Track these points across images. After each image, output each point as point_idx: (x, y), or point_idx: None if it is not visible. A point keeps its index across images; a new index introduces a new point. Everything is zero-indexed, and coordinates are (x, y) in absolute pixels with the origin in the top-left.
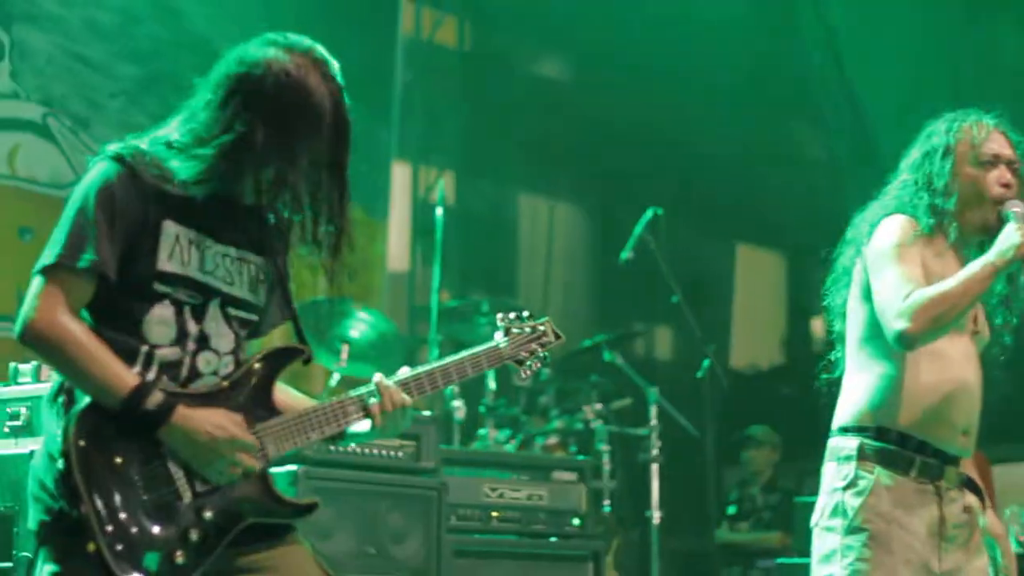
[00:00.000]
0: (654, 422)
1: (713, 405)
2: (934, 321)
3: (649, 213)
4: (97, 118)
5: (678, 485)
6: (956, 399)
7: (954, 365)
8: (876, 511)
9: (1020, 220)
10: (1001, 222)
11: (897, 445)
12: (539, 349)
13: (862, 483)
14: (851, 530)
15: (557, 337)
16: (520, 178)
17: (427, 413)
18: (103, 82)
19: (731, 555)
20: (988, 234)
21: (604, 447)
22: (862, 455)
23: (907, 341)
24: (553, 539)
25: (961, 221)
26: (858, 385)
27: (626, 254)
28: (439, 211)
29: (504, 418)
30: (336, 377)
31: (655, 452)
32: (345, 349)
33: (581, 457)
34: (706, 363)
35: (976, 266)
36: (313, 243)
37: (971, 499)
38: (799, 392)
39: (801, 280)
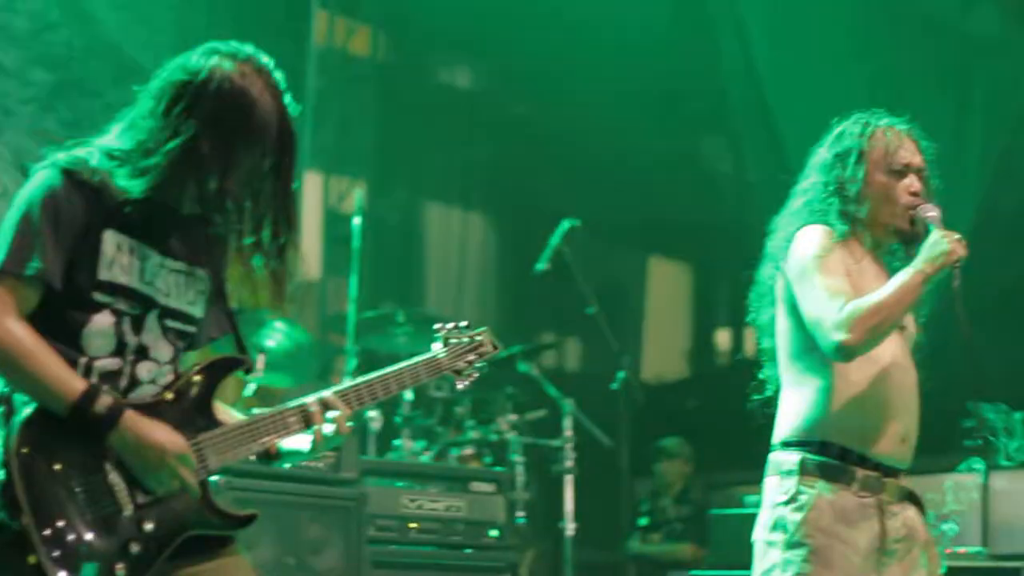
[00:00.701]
0: (568, 433)
1: (627, 417)
2: (872, 331)
3: (565, 224)
4: (8, 124)
5: (591, 497)
6: (893, 406)
7: (889, 370)
8: (817, 526)
9: (940, 225)
10: (913, 227)
11: (838, 459)
12: (477, 359)
13: (803, 498)
14: (791, 545)
15: (495, 348)
16: (433, 188)
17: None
18: (15, 88)
19: (644, 567)
20: (901, 239)
21: (518, 458)
22: (803, 470)
23: (846, 353)
24: (471, 550)
25: (873, 227)
26: (796, 399)
27: (542, 265)
28: (356, 220)
29: (419, 429)
30: (252, 387)
31: (569, 464)
32: (261, 359)
33: (499, 468)
34: (621, 375)
35: (907, 275)
36: (254, 252)
37: (911, 513)
38: (706, 404)
39: (707, 293)
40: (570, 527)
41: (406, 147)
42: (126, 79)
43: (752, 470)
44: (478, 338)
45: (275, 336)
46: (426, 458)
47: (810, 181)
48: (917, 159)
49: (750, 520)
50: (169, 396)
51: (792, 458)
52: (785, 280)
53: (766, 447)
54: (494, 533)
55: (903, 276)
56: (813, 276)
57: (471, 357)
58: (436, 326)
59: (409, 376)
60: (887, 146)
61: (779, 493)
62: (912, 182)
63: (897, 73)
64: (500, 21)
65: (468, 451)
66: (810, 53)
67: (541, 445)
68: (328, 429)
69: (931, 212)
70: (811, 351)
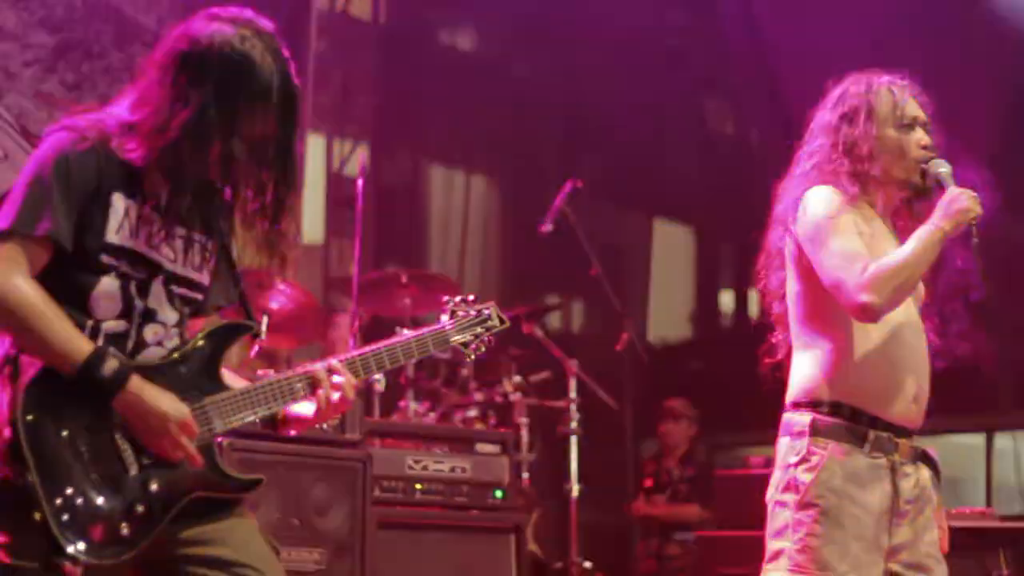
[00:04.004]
0: (572, 395)
1: (631, 378)
2: (896, 291)
3: (568, 186)
4: (10, 86)
5: (596, 458)
6: (905, 367)
7: (901, 331)
8: (828, 486)
9: (953, 180)
10: (924, 181)
11: (850, 420)
12: (484, 332)
13: (814, 459)
14: (803, 505)
15: (502, 322)
16: (436, 150)
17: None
18: (16, 50)
19: (648, 528)
20: (912, 194)
21: (523, 420)
22: (815, 431)
23: (872, 314)
24: (476, 511)
25: (886, 184)
26: (807, 361)
27: (545, 226)
28: (359, 183)
29: (424, 390)
30: (256, 348)
31: (573, 425)
32: (264, 320)
33: (504, 430)
34: (625, 336)
35: (926, 232)
36: (257, 214)
37: (924, 473)
38: (710, 366)
39: (711, 254)
40: (575, 488)
41: (408, 109)
42: (128, 41)
43: (756, 431)
44: (485, 312)
45: (278, 298)
46: (431, 419)
47: (816, 143)
48: (922, 113)
49: (754, 481)
50: (176, 359)
51: (803, 419)
52: (796, 243)
53: (770, 408)
54: (499, 494)
55: (922, 234)
56: (828, 238)
57: (478, 330)
58: (444, 299)
59: (416, 347)
60: (895, 101)
61: (791, 454)
62: (921, 136)
63: (900, 30)
64: None
65: (472, 413)
66: (812, 12)
67: (546, 407)
68: (334, 397)
69: (943, 167)
70: (823, 313)
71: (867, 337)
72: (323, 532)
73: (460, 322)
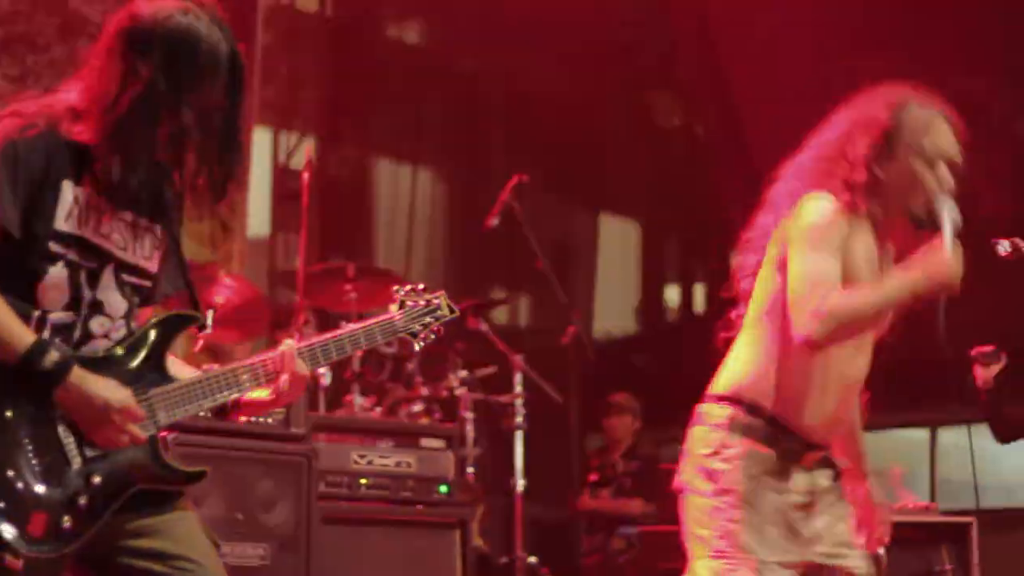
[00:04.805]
0: (518, 389)
1: (577, 373)
2: (845, 332)
3: (515, 180)
4: None
5: (541, 452)
6: (836, 391)
7: (842, 356)
8: (745, 474)
9: (956, 235)
10: (929, 217)
11: (767, 424)
12: (433, 322)
13: (729, 451)
14: (720, 492)
15: (451, 311)
16: (382, 144)
17: None
18: None
19: (593, 522)
20: (913, 220)
21: (468, 415)
22: (731, 426)
23: (813, 345)
24: (421, 506)
25: (890, 206)
26: (744, 357)
27: (492, 220)
28: (305, 176)
29: (369, 385)
30: (199, 343)
31: (519, 420)
32: (210, 314)
33: (449, 424)
34: (571, 331)
35: (899, 285)
36: (203, 194)
37: (833, 471)
38: (655, 360)
39: (656, 249)
40: (520, 483)
41: (355, 103)
42: (73, 34)
43: None
44: (435, 301)
45: (223, 292)
46: (376, 414)
47: (834, 139)
48: (955, 150)
49: None
50: (121, 351)
51: (722, 412)
52: (781, 237)
53: None
54: (444, 489)
55: (895, 285)
56: (811, 250)
57: (427, 320)
58: (394, 288)
59: (364, 337)
60: (920, 127)
61: (706, 444)
62: (943, 173)
63: (851, 25)
64: None
65: (418, 407)
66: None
67: (491, 401)
68: (281, 386)
69: (952, 215)
70: (778, 315)
71: (806, 356)
72: (268, 527)
73: (410, 312)
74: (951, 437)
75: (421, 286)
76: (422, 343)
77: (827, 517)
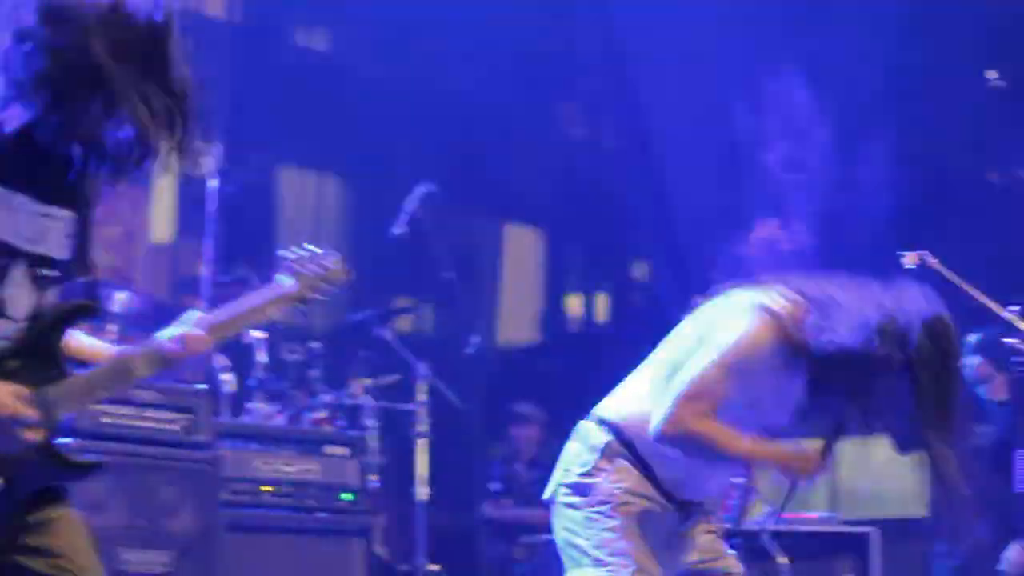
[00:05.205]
0: (422, 398)
1: (481, 381)
2: (690, 451)
3: (420, 189)
4: None
5: (445, 461)
6: (704, 479)
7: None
8: (621, 487)
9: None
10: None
11: (637, 464)
12: (327, 287)
13: (603, 472)
14: (596, 503)
15: (345, 274)
16: (288, 151)
17: (201, 386)
18: None
19: (496, 531)
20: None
21: (372, 422)
22: (606, 452)
23: (658, 439)
24: (324, 514)
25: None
26: (639, 392)
27: (397, 228)
28: (210, 183)
29: (273, 392)
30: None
31: (423, 428)
32: (114, 321)
33: (353, 432)
34: (475, 339)
35: (766, 455)
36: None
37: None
38: (558, 369)
39: (560, 259)
40: (423, 491)
41: (261, 109)
42: None
43: None
44: (329, 264)
45: (126, 299)
46: (280, 422)
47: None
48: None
49: None
50: (15, 347)
51: (602, 437)
52: (714, 324)
53: None
54: (348, 497)
55: (762, 451)
56: (719, 361)
57: (321, 285)
58: (284, 252)
59: (258, 308)
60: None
61: (581, 464)
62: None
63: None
64: None
65: (321, 415)
66: (671, 14)
67: (395, 409)
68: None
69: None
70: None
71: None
72: (171, 534)
73: (302, 280)
74: (850, 448)
75: (315, 249)
76: (315, 304)
77: (697, 528)
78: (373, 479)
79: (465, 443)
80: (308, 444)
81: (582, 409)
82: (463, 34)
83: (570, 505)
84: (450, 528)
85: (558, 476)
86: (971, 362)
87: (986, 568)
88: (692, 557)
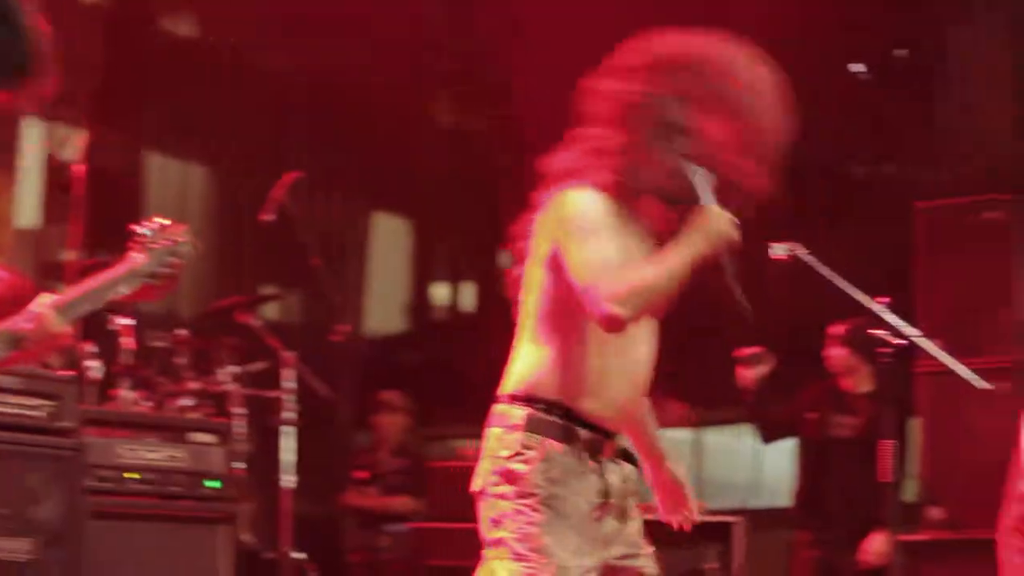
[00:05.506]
0: (289, 385)
1: (347, 370)
2: (644, 307)
3: (290, 176)
4: None
5: (311, 449)
6: (628, 375)
7: (627, 338)
8: (547, 476)
9: (714, 196)
10: (680, 188)
11: (564, 419)
12: (177, 261)
13: (529, 452)
14: (521, 495)
15: (194, 249)
16: (155, 138)
17: (66, 372)
18: None
19: (361, 519)
20: (666, 199)
21: (238, 410)
22: (530, 426)
23: (618, 325)
24: (190, 501)
25: (641, 191)
26: (532, 356)
27: (265, 215)
28: (76, 167)
29: (139, 379)
30: None
31: (289, 415)
32: None
33: (219, 419)
34: (343, 328)
35: (683, 252)
36: None
37: (628, 468)
38: (424, 358)
39: (427, 247)
40: (289, 479)
41: (129, 95)
42: None
43: (469, 423)
44: (177, 239)
45: None
46: (146, 408)
47: (580, 134)
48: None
49: (467, 473)
50: None
51: (519, 413)
52: (547, 239)
53: (483, 401)
54: (213, 484)
55: (679, 253)
56: (585, 239)
57: (170, 260)
58: (133, 228)
59: (108, 284)
60: (654, 103)
61: (502, 447)
62: (682, 141)
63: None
64: None
65: (187, 402)
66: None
67: (262, 397)
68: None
69: (704, 177)
70: (562, 313)
71: (592, 340)
72: (35, 522)
73: (152, 255)
74: (716, 437)
75: (164, 222)
76: (164, 282)
77: (620, 518)
78: (239, 467)
79: (331, 431)
80: (174, 431)
81: (448, 398)
82: (332, 21)
83: (498, 495)
84: (316, 516)
85: (486, 465)
86: (837, 353)
87: (847, 558)
88: (615, 549)
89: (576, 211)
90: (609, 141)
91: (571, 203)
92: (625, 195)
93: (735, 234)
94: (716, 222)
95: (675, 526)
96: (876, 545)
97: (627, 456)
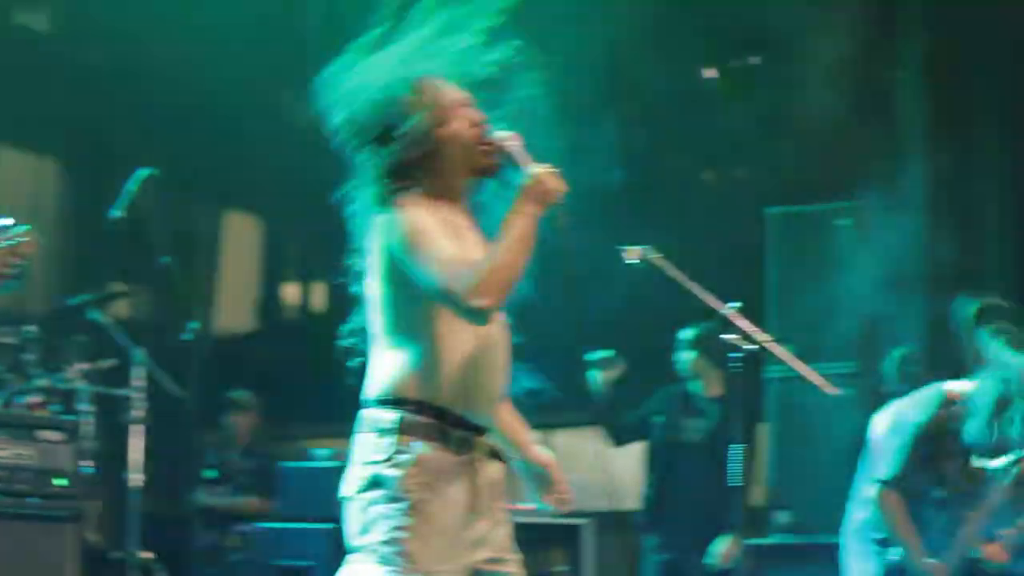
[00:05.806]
0: (138, 383)
1: (197, 368)
2: (504, 289)
3: (141, 173)
4: None
5: (160, 447)
6: (489, 368)
7: (484, 331)
8: (417, 481)
9: (527, 156)
10: (491, 159)
11: (436, 419)
12: (18, 260)
13: (402, 456)
14: (390, 500)
15: (36, 246)
16: (5, 133)
17: None
18: None
19: (210, 519)
20: (482, 174)
21: (87, 407)
22: (402, 429)
23: (485, 315)
24: (37, 499)
25: (453, 176)
26: (393, 361)
27: (116, 212)
28: None
29: None
30: None
31: (138, 413)
32: None
33: (67, 417)
34: (192, 325)
35: (518, 221)
36: None
37: (495, 468)
38: (275, 357)
39: (278, 246)
40: (137, 477)
41: None
42: None
43: (319, 424)
44: (20, 238)
45: None
46: None
47: (367, 150)
48: (459, 93)
49: (317, 473)
50: None
51: (390, 416)
52: (385, 258)
53: (333, 401)
54: (61, 482)
55: (515, 224)
56: (424, 247)
57: (11, 259)
58: None
59: None
60: (430, 93)
61: (375, 451)
62: (469, 115)
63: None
64: None
65: (36, 399)
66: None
67: (110, 394)
68: None
69: (511, 141)
70: (411, 318)
71: (452, 339)
72: None
73: None
74: (565, 440)
75: (5, 222)
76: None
77: (489, 521)
78: (87, 464)
79: (180, 430)
80: (21, 428)
81: (297, 397)
82: (185, 18)
83: (368, 500)
84: (163, 515)
85: (357, 471)
86: (687, 357)
87: (695, 561)
88: (483, 554)
89: (405, 230)
90: (404, 150)
91: (396, 225)
92: (441, 196)
93: (560, 185)
94: (540, 179)
95: (554, 506)
96: (723, 549)
97: (497, 455)
